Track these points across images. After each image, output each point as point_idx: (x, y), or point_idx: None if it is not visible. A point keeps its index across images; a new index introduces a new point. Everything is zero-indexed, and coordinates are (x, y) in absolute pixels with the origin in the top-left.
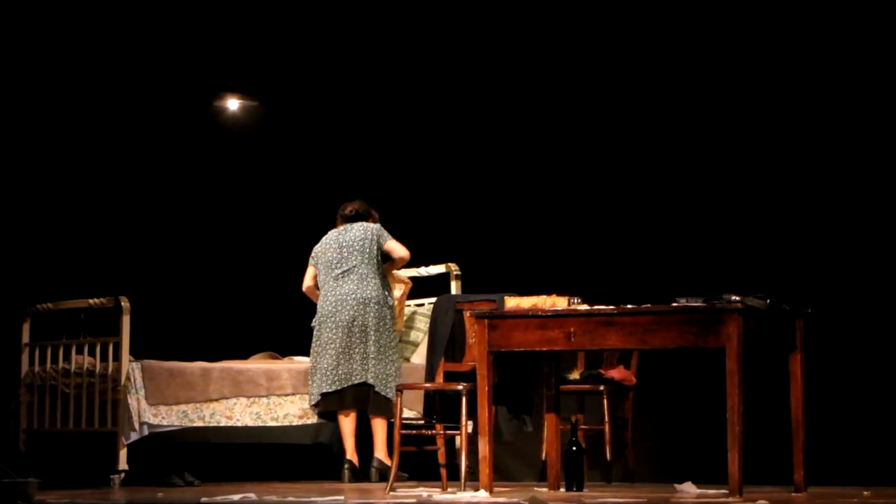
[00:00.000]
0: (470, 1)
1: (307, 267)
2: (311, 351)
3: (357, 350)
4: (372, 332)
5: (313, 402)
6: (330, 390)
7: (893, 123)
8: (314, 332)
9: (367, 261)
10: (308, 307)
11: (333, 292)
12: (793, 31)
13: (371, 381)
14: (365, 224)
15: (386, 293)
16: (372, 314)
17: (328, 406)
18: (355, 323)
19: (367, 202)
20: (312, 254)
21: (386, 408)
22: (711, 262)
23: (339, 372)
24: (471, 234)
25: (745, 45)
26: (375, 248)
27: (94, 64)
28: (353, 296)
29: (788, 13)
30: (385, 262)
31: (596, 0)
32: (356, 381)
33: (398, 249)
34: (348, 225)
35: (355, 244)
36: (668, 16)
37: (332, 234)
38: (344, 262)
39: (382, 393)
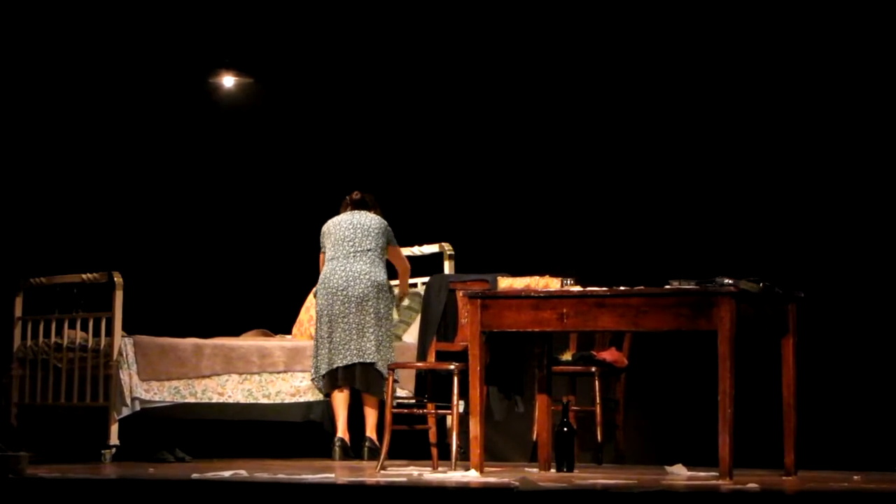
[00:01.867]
0: None
1: (319, 254)
2: (318, 322)
3: (368, 328)
4: (381, 316)
5: (323, 373)
6: (342, 364)
7: (884, 110)
8: (318, 304)
9: (379, 248)
10: (301, 286)
11: (345, 268)
12: (781, 19)
13: (372, 359)
14: (375, 215)
15: (389, 283)
16: (383, 299)
17: (333, 382)
18: (368, 302)
19: (363, 182)
20: (321, 236)
21: (382, 387)
22: (705, 245)
23: (352, 347)
24: (464, 214)
25: (735, 32)
26: (384, 240)
27: (90, 41)
28: (368, 276)
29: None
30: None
31: None
32: (363, 360)
33: (401, 258)
34: (359, 210)
35: (371, 230)
36: (659, 4)
37: (343, 215)
38: (359, 243)
39: (383, 373)
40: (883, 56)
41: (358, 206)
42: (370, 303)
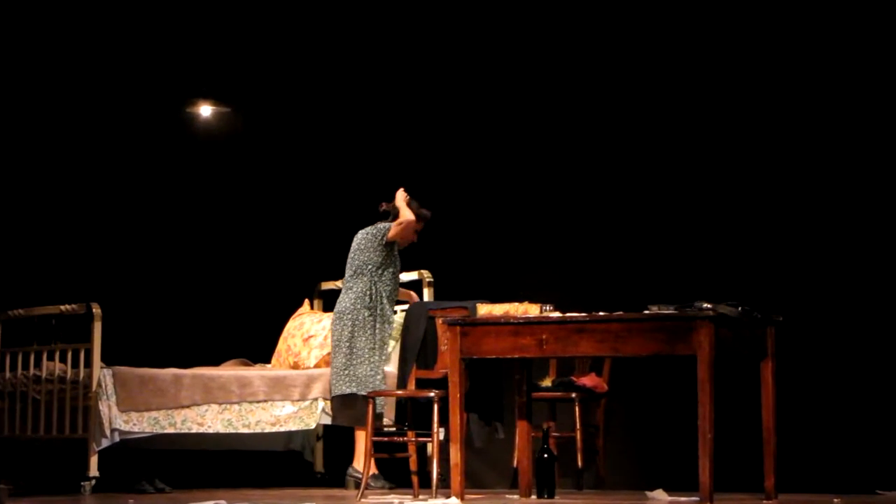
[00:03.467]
0: (440, 3)
1: None
2: None
3: (333, 360)
4: (339, 342)
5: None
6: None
7: (864, 136)
8: None
9: (352, 270)
10: (280, 315)
11: None
12: (768, 40)
13: (334, 391)
14: (375, 226)
15: (368, 296)
16: (340, 324)
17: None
18: (333, 334)
19: (338, 211)
20: None
21: (346, 416)
22: (683, 270)
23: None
24: (443, 242)
25: (719, 58)
26: (369, 251)
27: (67, 71)
28: (336, 309)
29: (764, 18)
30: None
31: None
32: (332, 393)
33: (402, 216)
34: (366, 228)
35: (352, 253)
36: (636, 21)
37: None
38: (347, 271)
39: (359, 393)
40: (851, 81)
41: (381, 217)
42: (333, 334)
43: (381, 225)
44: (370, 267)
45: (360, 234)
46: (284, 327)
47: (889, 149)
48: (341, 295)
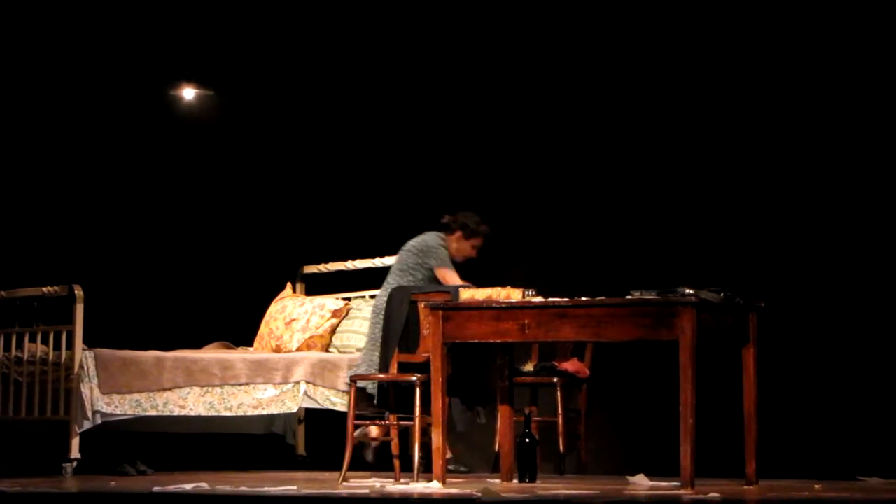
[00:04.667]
0: None
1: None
2: None
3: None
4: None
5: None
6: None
7: (847, 120)
8: None
9: (399, 269)
10: (261, 300)
11: None
12: (742, 30)
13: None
14: (430, 242)
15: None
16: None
17: None
18: (371, 332)
19: (321, 194)
20: None
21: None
22: (666, 256)
23: None
24: (426, 226)
25: (709, 41)
26: (413, 261)
27: (49, 52)
28: (376, 304)
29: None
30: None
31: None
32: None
33: (447, 279)
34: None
35: (405, 250)
36: (619, 13)
37: None
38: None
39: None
40: (826, 68)
41: (442, 228)
42: (371, 329)
43: (433, 243)
44: (417, 274)
45: (414, 242)
46: (267, 311)
47: (868, 133)
48: (381, 292)
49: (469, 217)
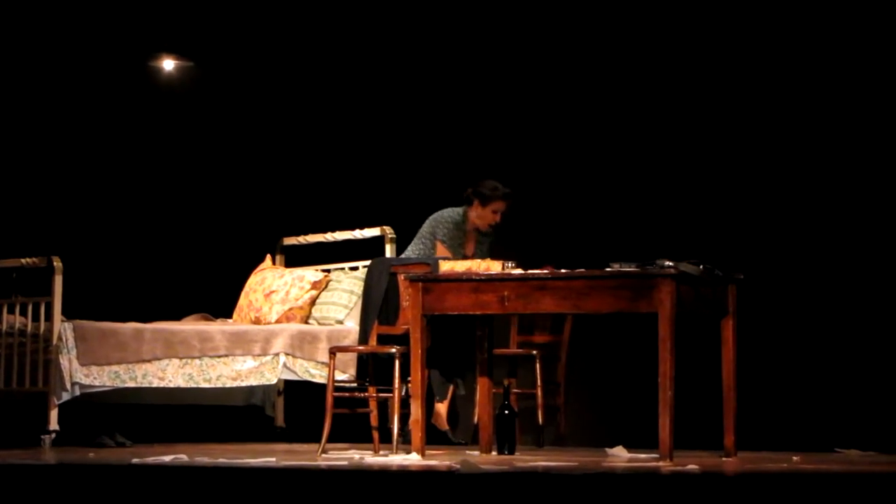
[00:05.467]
0: None
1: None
2: None
3: None
4: None
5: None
6: None
7: (823, 95)
8: None
9: (415, 238)
10: (240, 271)
11: None
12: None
13: None
14: (448, 209)
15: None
16: None
17: None
18: None
19: (304, 165)
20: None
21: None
22: (645, 228)
23: None
24: (405, 197)
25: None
26: (427, 229)
27: (23, 25)
28: None
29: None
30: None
31: None
32: None
33: (439, 253)
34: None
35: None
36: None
37: None
38: None
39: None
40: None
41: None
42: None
43: (448, 216)
44: (427, 243)
45: (438, 213)
46: (246, 282)
47: (848, 109)
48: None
49: (485, 185)
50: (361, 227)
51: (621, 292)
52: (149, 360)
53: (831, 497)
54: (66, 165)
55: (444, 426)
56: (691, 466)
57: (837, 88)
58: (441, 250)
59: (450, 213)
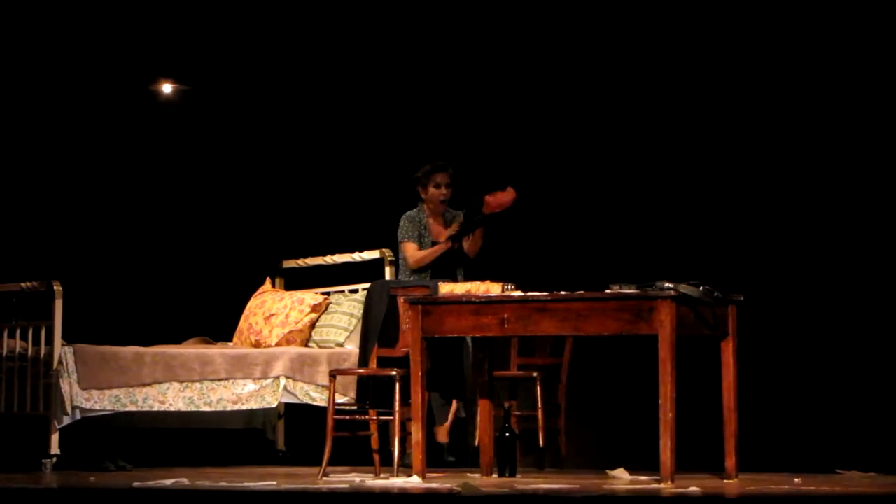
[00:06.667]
0: None
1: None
2: None
3: None
4: None
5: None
6: None
7: (824, 114)
8: None
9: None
10: (240, 295)
11: None
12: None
13: None
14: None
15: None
16: None
17: None
18: None
19: (299, 188)
20: None
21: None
22: (645, 250)
23: None
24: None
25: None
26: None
27: (26, 46)
28: None
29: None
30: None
31: None
32: None
33: (405, 251)
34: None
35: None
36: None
37: None
38: None
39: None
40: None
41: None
42: None
43: (401, 222)
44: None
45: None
46: (246, 306)
47: (848, 127)
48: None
49: (419, 171)
50: (361, 250)
51: (621, 314)
52: (149, 384)
53: None
54: (66, 190)
55: (445, 439)
56: (693, 489)
57: (837, 111)
58: (410, 249)
59: (405, 214)
